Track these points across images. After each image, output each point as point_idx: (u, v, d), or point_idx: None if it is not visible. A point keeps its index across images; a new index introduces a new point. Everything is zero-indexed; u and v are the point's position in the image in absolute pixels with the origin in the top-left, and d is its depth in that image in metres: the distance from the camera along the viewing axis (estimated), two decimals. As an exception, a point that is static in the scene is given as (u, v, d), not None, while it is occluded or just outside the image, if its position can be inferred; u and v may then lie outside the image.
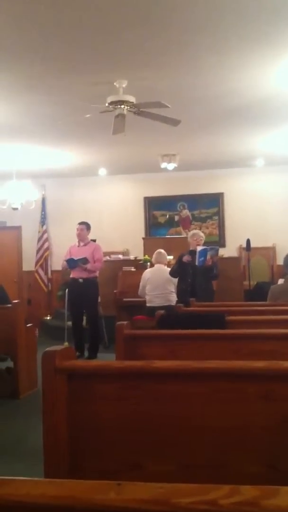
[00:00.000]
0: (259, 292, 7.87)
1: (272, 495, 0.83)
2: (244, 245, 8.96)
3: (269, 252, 10.10)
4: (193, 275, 6.39)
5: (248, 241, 8.75)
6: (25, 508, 0.86)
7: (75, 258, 7.09)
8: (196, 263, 6.28)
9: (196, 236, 6.75)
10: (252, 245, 8.79)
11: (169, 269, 6.96)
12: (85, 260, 7.07)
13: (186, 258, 6.43)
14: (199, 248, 6.37)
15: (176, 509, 0.82)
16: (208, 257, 6.27)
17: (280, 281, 4.92)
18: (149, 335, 3.07)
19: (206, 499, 0.83)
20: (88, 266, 7.09)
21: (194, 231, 7.28)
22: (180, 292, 6.61)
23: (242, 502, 0.82)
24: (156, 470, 1.73)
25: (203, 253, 6.29)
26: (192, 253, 6.46)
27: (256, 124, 7.16)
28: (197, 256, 6.29)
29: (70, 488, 0.89)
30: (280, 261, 8.29)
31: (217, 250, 6.73)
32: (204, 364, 1.85)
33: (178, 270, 6.55)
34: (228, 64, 4.95)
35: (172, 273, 6.69)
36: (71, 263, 7.13)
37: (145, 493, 0.85)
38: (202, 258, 6.25)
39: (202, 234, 6.89)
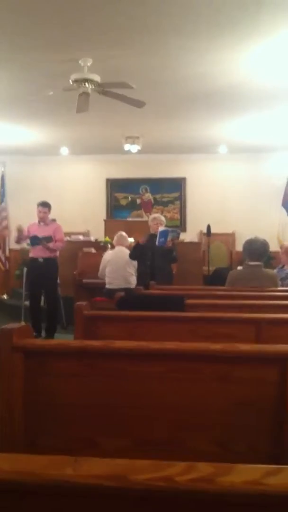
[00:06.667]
0: (217, 278, 7.96)
1: (227, 472, 0.85)
2: (205, 230, 9.04)
3: (229, 238, 10.22)
4: (152, 258, 6.40)
5: (208, 227, 8.83)
6: (-20, 483, 0.85)
7: (40, 236, 6.99)
8: (156, 243, 6.28)
9: (157, 220, 6.75)
10: (213, 231, 8.89)
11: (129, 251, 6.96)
12: (49, 239, 6.98)
13: (142, 240, 6.48)
14: (161, 228, 6.37)
15: (133, 485, 0.83)
16: (169, 238, 6.28)
17: (239, 267, 4.98)
18: (108, 316, 3.06)
19: (163, 476, 0.84)
20: (51, 245, 7.01)
21: (155, 214, 7.28)
22: (140, 274, 6.63)
23: (197, 478, 0.84)
24: (111, 448, 1.74)
25: (164, 233, 6.28)
26: (153, 236, 6.46)
27: (222, 110, 7.18)
28: (158, 236, 6.29)
29: (26, 463, 0.89)
30: (239, 247, 8.41)
31: (179, 233, 6.75)
32: (162, 345, 1.86)
33: (137, 252, 6.54)
34: (196, 48, 4.92)
35: (131, 256, 6.69)
36: (35, 240, 7.01)
37: (102, 469, 0.85)
38: (163, 239, 6.25)
39: (163, 218, 6.89)
